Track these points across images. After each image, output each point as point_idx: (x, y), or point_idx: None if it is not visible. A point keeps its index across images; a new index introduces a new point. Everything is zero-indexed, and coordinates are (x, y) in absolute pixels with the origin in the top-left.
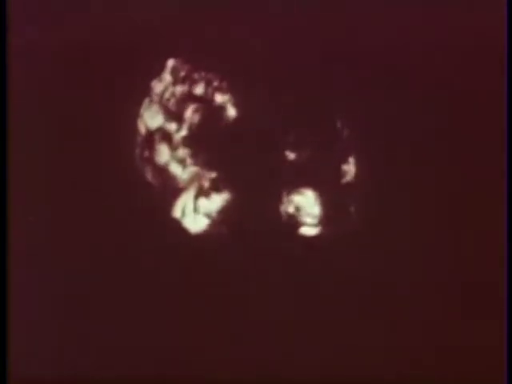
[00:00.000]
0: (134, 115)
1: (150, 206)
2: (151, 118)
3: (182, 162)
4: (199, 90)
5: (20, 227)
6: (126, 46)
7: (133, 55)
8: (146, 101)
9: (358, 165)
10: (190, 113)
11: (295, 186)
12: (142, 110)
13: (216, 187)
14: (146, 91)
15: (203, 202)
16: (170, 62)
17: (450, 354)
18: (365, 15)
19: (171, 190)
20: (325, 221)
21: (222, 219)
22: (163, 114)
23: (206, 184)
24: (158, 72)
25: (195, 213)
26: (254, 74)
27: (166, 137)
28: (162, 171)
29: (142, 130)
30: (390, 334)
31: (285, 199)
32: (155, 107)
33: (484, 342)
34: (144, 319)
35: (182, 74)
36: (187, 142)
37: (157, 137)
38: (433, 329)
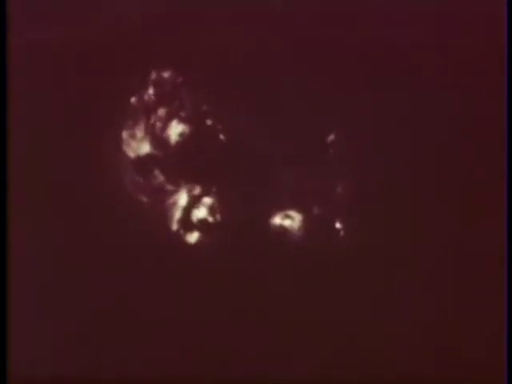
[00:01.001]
0: (130, 118)
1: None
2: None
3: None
4: (188, 107)
5: (20, 229)
6: (126, 47)
7: (132, 56)
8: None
9: (351, 185)
10: (179, 132)
11: (285, 206)
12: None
13: (207, 207)
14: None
15: (195, 220)
16: (163, 74)
17: (450, 354)
18: (360, 20)
19: (166, 205)
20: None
21: (213, 234)
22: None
23: (198, 202)
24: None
25: (188, 228)
26: (244, 92)
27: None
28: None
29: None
30: (390, 335)
31: (274, 220)
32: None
33: (484, 342)
34: (143, 321)
35: (171, 89)
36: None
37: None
38: (432, 329)
